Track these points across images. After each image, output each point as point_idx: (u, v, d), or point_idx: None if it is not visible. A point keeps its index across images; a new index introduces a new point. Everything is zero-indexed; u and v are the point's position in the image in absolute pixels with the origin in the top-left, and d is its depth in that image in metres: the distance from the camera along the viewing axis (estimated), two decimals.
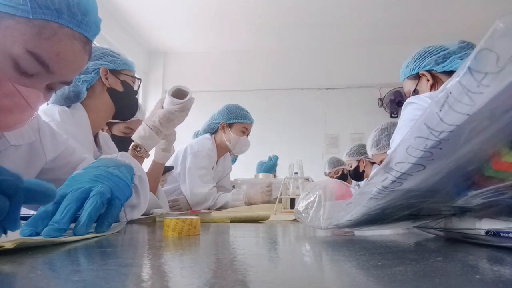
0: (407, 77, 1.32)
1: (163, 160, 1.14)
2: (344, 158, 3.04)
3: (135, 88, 1.21)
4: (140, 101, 1.69)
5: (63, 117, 1.01)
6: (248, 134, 1.98)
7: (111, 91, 1.13)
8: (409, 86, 1.32)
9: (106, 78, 1.13)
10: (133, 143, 1.00)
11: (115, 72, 1.14)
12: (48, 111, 1.03)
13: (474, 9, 3.27)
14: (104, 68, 1.12)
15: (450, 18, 3.43)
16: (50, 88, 0.62)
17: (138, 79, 1.23)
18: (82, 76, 1.09)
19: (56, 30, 0.56)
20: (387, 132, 1.81)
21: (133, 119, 1.54)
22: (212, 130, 1.99)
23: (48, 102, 1.13)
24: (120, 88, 1.15)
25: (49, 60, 0.56)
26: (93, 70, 1.10)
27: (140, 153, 0.99)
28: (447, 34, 2.94)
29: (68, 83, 0.63)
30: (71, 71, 0.61)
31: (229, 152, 2.06)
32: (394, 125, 1.82)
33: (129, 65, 1.19)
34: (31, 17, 0.54)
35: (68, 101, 1.09)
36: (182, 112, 1.02)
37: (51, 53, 0.56)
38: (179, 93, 1.04)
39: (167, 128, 1.02)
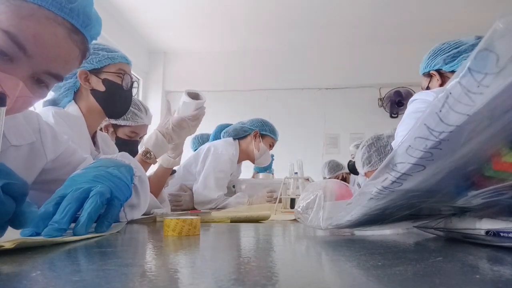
0: (422, 74, 1.32)
1: (170, 165, 1.15)
2: (350, 147, 3.03)
3: (126, 80, 1.12)
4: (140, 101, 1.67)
5: (57, 119, 0.99)
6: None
7: (94, 93, 1.08)
8: (423, 83, 1.32)
9: (87, 81, 1.08)
10: (143, 149, 1.00)
11: (96, 72, 1.08)
12: (43, 113, 1.01)
13: (475, 9, 3.28)
14: (83, 71, 1.06)
15: (451, 18, 3.43)
16: (38, 80, 0.58)
17: (120, 72, 1.11)
18: (62, 83, 1.07)
19: (34, 10, 0.54)
20: (375, 147, 1.78)
21: (139, 124, 1.53)
22: (238, 135, 1.99)
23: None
24: (101, 87, 1.08)
25: (26, 41, 0.53)
26: (73, 75, 1.05)
27: (149, 160, 0.99)
28: (448, 34, 2.94)
29: (56, 76, 0.59)
30: (53, 58, 0.57)
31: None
32: (379, 138, 1.79)
33: (112, 58, 1.10)
34: None
35: (50, 105, 1.08)
36: (193, 121, 1.02)
37: (27, 33, 0.53)
38: (194, 97, 1.06)
39: (179, 136, 1.02)
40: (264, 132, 1.98)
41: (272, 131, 2.01)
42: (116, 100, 1.12)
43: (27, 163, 0.72)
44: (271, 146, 2.01)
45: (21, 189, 0.34)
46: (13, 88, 0.53)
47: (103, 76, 1.09)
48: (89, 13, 0.61)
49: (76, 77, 1.08)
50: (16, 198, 0.34)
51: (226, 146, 1.90)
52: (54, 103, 1.11)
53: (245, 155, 1.98)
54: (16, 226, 0.35)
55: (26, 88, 0.55)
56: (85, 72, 1.08)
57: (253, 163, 2.06)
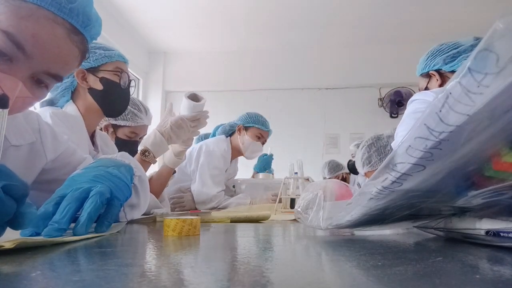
0: (420, 75, 1.32)
1: (174, 165, 1.14)
2: (350, 147, 3.04)
3: (123, 79, 1.12)
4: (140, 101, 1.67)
5: (54, 119, 0.99)
6: (263, 142, 2.01)
7: (92, 91, 1.08)
8: (421, 83, 1.33)
9: (84, 80, 1.08)
10: (142, 148, 1.00)
11: (93, 70, 1.08)
12: (40, 114, 1.02)
13: (475, 9, 3.27)
14: (80, 70, 1.06)
15: (451, 18, 3.43)
16: (37, 81, 0.58)
17: (118, 71, 1.12)
18: (59, 83, 1.06)
19: (33, 10, 0.54)
20: (375, 147, 1.78)
21: (139, 124, 1.53)
22: (228, 132, 2.02)
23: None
24: (99, 86, 1.08)
25: (24, 41, 0.53)
26: (70, 74, 1.04)
27: (148, 158, 0.99)
28: (448, 34, 2.94)
29: (55, 76, 0.59)
30: (52, 58, 0.57)
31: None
32: (379, 138, 1.79)
33: (110, 57, 1.11)
34: None
35: (48, 105, 1.07)
36: (193, 121, 1.02)
37: (26, 34, 0.53)
38: (195, 99, 1.06)
39: (177, 135, 1.02)
40: (248, 124, 1.98)
41: (256, 121, 1.99)
42: (114, 98, 1.12)
43: (27, 163, 0.72)
44: (259, 138, 1.97)
45: (21, 190, 0.34)
46: (12, 88, 0.53)
47: (101, 74, 1.09)
48: (89, 13, 0.61)
49: (73, 76, 1.07)
50: (16, 199, 0.34)
51: (217, 143, 1.91)
52: (51, 103, 1.11)
53: (236, 151, 1.99)
54: (15, 226, 0.35)
55: (25, 88, 0.55)
56: (82, 71, 1.08)
57: (245, 157, 2.05)
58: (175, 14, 3.51)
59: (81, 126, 1.08)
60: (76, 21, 0.59)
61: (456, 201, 0.39)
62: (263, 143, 2.01)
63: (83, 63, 1.05)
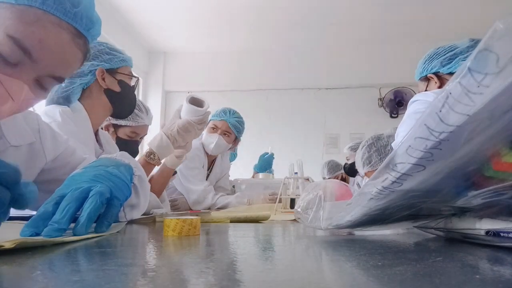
0: (418, 79, 1.33)
1: (174, 166, 1.15)
2: (344, 150, 3.03)
3: (132, 84, 1.17)
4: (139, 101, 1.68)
5: (64, 117, 1.00)
6: (225, 133, 1.92)
7: (108, 92, 1.11)
8: (421, 87, 1.34)
9: (103, 79, 1.10)
10: (147, 150, 1.01)
11: (112, 72, 1.11)
12: (49, 112, 1.02)
13: (475, 9, 3.28)
14: (101, 69, 1.08)
15: (451, 18, 3.44)
16: (40, 84, 0.58)
17: (135, 77, 1.19)
18: (77, 79, 1.06)
19: (39, 16, 0.54)
20: (375, 147, 1.79)
21: (140, 124, 1.54)
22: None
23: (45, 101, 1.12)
24: (117, 88, 1.12)
25: (31, 46, 0.54)
26: (90, 72, 1.07)
27: (153, 161, 1.00)
28: (448, 34, 2.94)
29: (58, 79, 0.60)
30: (57, 63, 0.58)
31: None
32: (379, 138, 1.80)
33: (126, 61, 1.15)
34: (14, 3, 0.52)
35: (60, 102, 1.08)
36: (200, 124, 1.03)
37: (32, 39, 0.54)
38: (195, 102, 1.06)
39: (184, 139, 1.02)
40: (209, 120, 1.97)
41: (213, 115, 1.95)
42: (128, 101, 1.16)
43: (27, 163, 0.72)
44: (214, 129, 1.91)
45: (11, 177, 0.34)
46: (18, 91, 0.54)
47: (119, 77, 1.12)
48: (91, 16, 0.62)
49: (94, 74, 1.09)
50: (8, 187, 0.34)
51: None
52: (68, 98, 1.10)
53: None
54: (18, 207, 0.35)
55: (30, 91, 0.55)
56: (102, 70, 1.10)
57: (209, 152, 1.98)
58: (175, 14, 3.52)
59: (88, 125, 1.09)
60: (80, 25, 0.60)
61: (456, 201, 0.39)
62: (225, 134, 1.91)
63: (104, 63, 1.09)
